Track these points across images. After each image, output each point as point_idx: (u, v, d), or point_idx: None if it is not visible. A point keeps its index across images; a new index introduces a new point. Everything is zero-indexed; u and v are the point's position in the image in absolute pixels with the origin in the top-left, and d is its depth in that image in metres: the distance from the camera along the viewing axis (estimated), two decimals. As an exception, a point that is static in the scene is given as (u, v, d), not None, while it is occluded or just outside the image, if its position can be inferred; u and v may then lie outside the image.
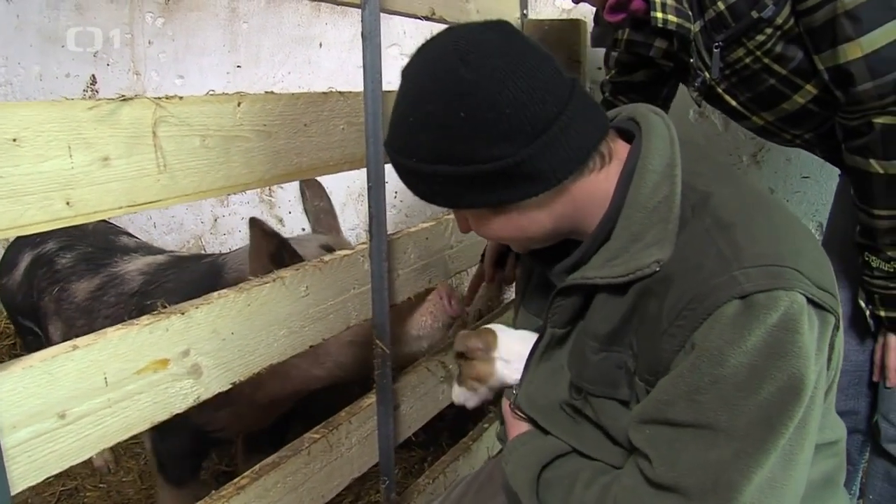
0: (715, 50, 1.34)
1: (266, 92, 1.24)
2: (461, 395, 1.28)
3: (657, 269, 0.94)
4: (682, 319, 0.92)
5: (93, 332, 2.07)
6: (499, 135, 0.92)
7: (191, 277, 2.01)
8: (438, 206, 1.06)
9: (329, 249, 1.79)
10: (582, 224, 1.05)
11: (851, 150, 1.25)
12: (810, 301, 0.89)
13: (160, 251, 2.45)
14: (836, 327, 0.95)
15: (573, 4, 2.33)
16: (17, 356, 3.50)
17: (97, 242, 2.37)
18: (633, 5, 1.38)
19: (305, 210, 2.16)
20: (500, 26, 0.99)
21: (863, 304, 1.40)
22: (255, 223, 1.58)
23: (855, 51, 1.16)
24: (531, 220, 1.02)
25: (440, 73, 0.94)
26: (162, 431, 1.99)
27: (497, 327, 1.25)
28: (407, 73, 1.01)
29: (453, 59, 0.93)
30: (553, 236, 1.08)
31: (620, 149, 1.04)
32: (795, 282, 0.88)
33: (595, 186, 1.01)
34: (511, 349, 1.21)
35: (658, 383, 0.95)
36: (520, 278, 1.40)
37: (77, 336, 2.10)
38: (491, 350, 1.21)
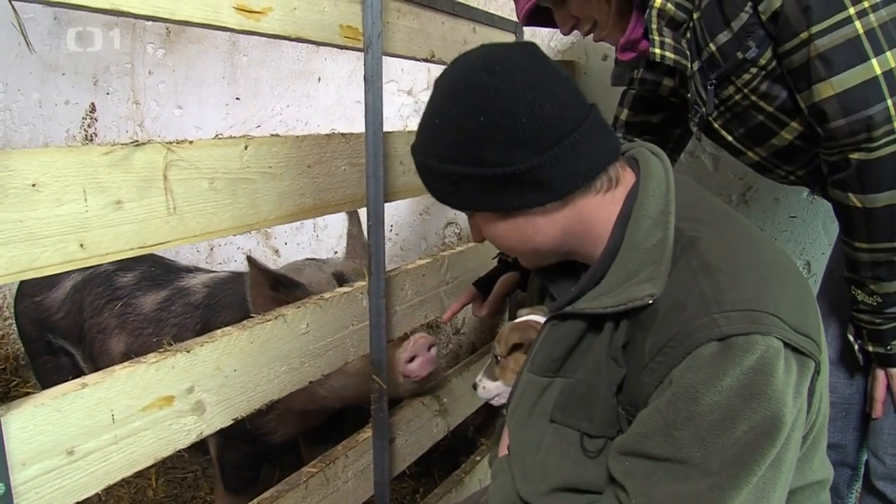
0: (710, 87, 1.41)
1: (272, 134, 1.27)
2: (495, 390, 1.28)
3: (650, 301, 0.98)
4: (662, 356, 0.95)
5: (160, 337, 2.16)
6: (513, 141, 0.99)
7: (243, 294, 2.09)
8: (452, 206, 1.11)
9: (340, 276, 1.88)
10: (585, 245, 1.09)
11: (832, 184, 1.31)
12: (788, 346, 0.93)
13: (216, 270, 2.59)
14: (818, 371, 0.98)
15: (568, 45, 2.41)
16: (6, 381, 3.50)
17: (156, 263, 2.52)
18: (641, 45, 1.48)
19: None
20: (527, 46, 1.07)
21: (851, 339, 1.43)
22: (251, 261, 1.75)
23: (827, 90, 1.23)
24: (536, 230, 1.07)
25: (466, 80, 1.02)
26: (225, 441, 2.13)
27: (542, 319, 1.24)
28: (439, 80, 1.08)
29: (480, 68, 1.01)
30: (558, 252, 1.12)
31: (628, 177, 1.09)
32: (773, 327, 0.92)
33: (600, 207, 1.06)
34: None
35: (637, 416, 0.99)
36: (530, 297, 1.44)
37: (145, 343, 2.20)
38: None
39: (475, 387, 1.33)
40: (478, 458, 2.32)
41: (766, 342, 0.91)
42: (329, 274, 1.93)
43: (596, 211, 1.06)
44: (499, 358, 1.28)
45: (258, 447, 2.16)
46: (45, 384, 2.71)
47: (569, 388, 1.09)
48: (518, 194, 1.02)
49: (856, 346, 1.43)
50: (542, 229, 1.07)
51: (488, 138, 0.99)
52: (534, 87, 0.99)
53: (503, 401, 1.29)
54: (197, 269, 2.55)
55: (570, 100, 1.02)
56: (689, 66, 1.45)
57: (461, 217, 2.77)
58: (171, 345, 1.11)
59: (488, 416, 2.76)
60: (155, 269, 2.47)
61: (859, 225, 1.28)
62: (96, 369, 2.34)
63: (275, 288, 1.77)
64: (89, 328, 2.40)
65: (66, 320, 2.48)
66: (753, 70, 1.35)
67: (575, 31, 1.61)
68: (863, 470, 1.64)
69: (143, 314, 2.30)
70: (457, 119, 1.01)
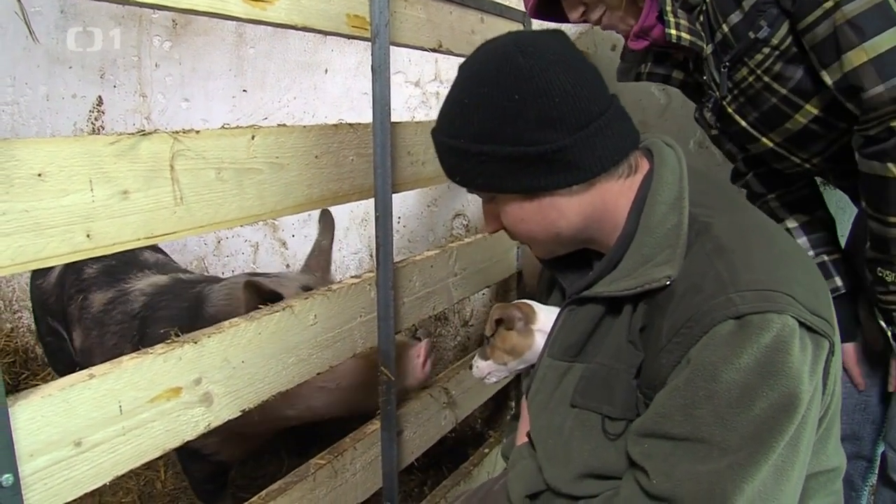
0: (723, 70, 1.41)
1: (279, 125, 1.27)
2: (486, 369, 1.30)
3: (667, 282, 1.00)
4: (679, 337, 0.97)
5: (103, 343, 2.14)
6: (546, 120, 1.00)
7: (179, 306, 2.07)
8: (477, 190, 1.13)
9: (307, 290, 1.80)
10: (603, 232, 1.11)
11: (867, 155, 1.25)
12: (803, 325, 0.94)
13: (174, 269, 2.52)
14: (832, 352, 0.99)
15: (577, 36, 2.39)
16: (16, 374, 3.53)
17: (122, 255, 2.43)
18: (654, 33, 1.47)
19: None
20: (556, 33, 1.09)
21: (883, 325, 1.38)
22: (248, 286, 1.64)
23: (860, 56, 1.18)
24: (560, 214, 1.08)
25: (500, 61, 1.04)
26: (183, 457, 2.14)
27: (530, 301, 1.27)
28: (466, 64, 1.10)
29: (513, 50, 1.03)
30: (577, 239, 1.14)
31: (644, 165, 1.12)
32: (788, 306, 0.93)
33: (620, 193, 1.09)
34: (550, 321, 1.22)
35: (656, 397, 1.00)
36: (540, 291, 1.43)
37: (92, 345, 2.17)
38: (531, 322, 1.23)
39: (471, 367, 1.35)
40: (486, 450, 2.32)
41: (782, 320, 0.92)
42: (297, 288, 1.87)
43: (617, 196, 1.08)
44: (488, 338, 1.30)
45: (209, 465, 2.16)
46: (52, 363, 2.75)
47: (589, 373, 1.10)
48: (547, 174, 1.04)
49: (889, 333, 1.37)
50: (565, 213, 1.08)
51: (521, 117, 1.00)
52: (566, 70, 1.02)
53: (494, 379, 1.32)
54: (155, 265, 2.47)
55: (597, 85, 1.05)
56: (704, 47, 1.44)
57: (469, 208, 2.76)
58: (178, 335, 1.10)
59: (497, 409, 2.76)
60: (116, 263, 2.40)
61: (895, 198, 1.24)
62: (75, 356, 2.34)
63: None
64: (67, 315, 2.41)
65: (56, 305, 2.50)
66: (766, 50, 1.33)
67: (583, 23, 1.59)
68: (878, 462, 1.62)
69: (91, 313, 2.28)
70: (490, 98, 1.02)
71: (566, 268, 1.24)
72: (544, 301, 1.34)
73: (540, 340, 1.22)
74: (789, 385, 0.91)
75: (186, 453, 2.10)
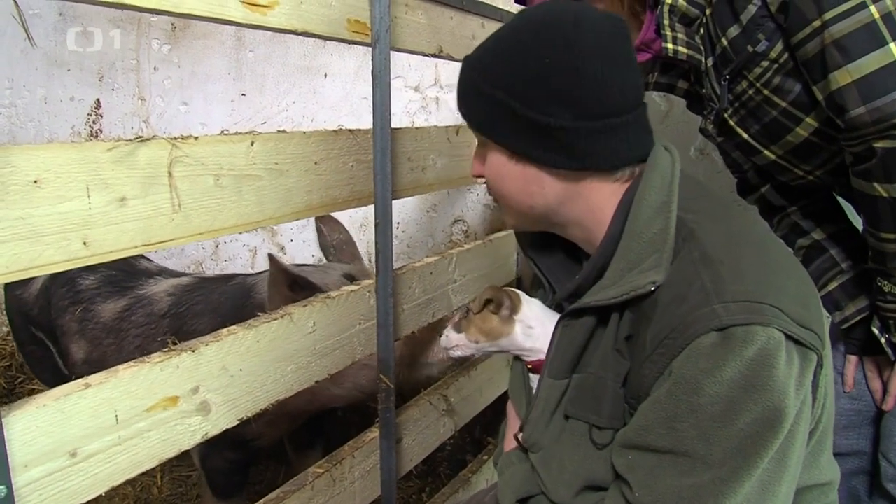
0: (723, 83, 1.40)
1: (278, 130, 1.26)
2: (456, 341, 1.27)
3: (652, 288, 0.97)
4: (663, 347, 0.94)
5: (122, 348, 2.14)
6: (561, 96, 0.99)
7: (220, 299, 2.10)
8: (475, 128, 1.11)
9: (351, 277, 1.90)
10: (584, 229, 1.10)
11: (856, 174, 1.27)
12: (790, 338, 0.91)
13: (181, 273, 2.54)
14: (820, 365, 0.96)
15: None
16: (12, 378, 3.50)
17: (120, 265, 2.45)
18: (655, 46, 1.47)
19: (322, 246, 2.23)
20: (620, 22, 1.06)
21: (877, 333, 1.39)
22: (272, 261, 1.75)
23: (844, 77, 1.19)
24: (541, 188, 1.06)
25: (550, 22, 1.01)
26: (208, 448, 2.10)
27: (520, 292, 1.28)
28: (527, 11, 1.08)
29: (568, 17, 1.01)
30: (549, 221, 1.12)
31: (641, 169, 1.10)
32: (773, 318, 0.90)
33: (611, 194, 1.06)
34: (535, 316, 1.22)
35: (639, 408, 0.98)
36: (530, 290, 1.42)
37: (106, 353, 2.16)
38: (516, 312, 1.23)
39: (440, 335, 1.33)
40: (485, 457, 2.30)
41: (767, 333, 0.89)
42: (339, 276, 1.94)
43: (607, 197, 1.06)
44: (469, 313, 1.27)
45: (243, 453, 2.15)
46: (36, 371, 2.73)
47: (580, 382, 1.08)
48: (539, 146, 1.02)
49: (882, 340, 1.39)
50: (546, 191, 1.06)
51: (543, 82, 0.99)
52: (606, 59, 1.00)
53: (458, 354, 1.29)
54: (160, 274, 2.49)
55: (629, 86, 1.03)
56: (704, 61, 1.43)
57: (468, 214, 2.76)
58: (176, 343, 1.09)
59: (495, 416, 2.75)
60: (117, 273, 2.41)
61: (885, 215, 1.24)
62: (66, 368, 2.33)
63: (292, 288, 1.77)
64: (57, 328, 2.38)
65: (41, 316, 2.48)
66: (765, 63, 1.32)
67: None
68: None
69: (101, 323, 2.27)
70: (523, 50, 1.01)
71: (553, 263, 1.23)
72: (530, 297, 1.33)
73: (518, 330, 1.22)
74: (774, 400, 0.89)
75: (209, 446, 2.05)
